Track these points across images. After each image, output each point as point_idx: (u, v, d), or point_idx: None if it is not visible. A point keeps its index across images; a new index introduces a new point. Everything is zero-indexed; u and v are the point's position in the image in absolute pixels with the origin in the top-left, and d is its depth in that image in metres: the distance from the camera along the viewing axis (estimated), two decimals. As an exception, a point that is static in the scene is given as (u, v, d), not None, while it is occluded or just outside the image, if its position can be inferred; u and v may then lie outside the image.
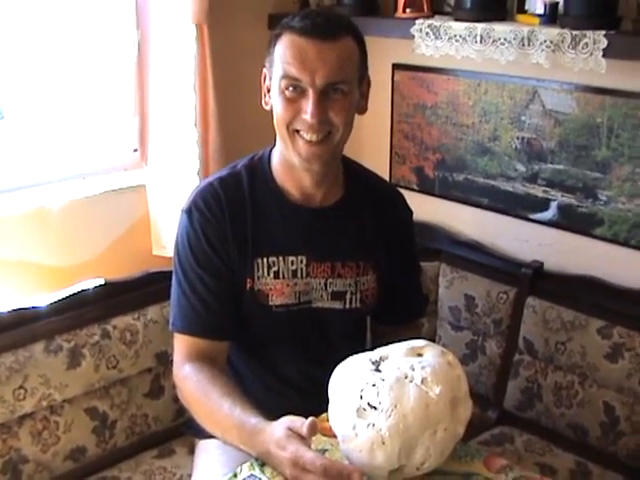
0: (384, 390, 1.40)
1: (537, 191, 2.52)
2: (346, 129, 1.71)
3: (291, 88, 1.66)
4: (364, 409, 1.41)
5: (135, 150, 2.63)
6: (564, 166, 2.44)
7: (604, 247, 2.42)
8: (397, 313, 1.98)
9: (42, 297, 2.12)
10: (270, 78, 1.73)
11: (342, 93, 1.67)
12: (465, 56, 2.35)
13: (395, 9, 2.54)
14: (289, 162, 1.77)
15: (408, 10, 2.49)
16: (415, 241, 2.03)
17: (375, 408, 1.40)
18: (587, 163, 2.39)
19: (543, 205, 2.52)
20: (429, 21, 2.41)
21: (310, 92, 1.64)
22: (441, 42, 2.38)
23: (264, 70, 1.76)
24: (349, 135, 1.74)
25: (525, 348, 2.45)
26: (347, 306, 1.85)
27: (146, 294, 2.24)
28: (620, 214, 2.35)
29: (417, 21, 2.42)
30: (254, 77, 2.67)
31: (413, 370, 1.43)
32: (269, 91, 1.75)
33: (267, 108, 1.76)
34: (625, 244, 2.37)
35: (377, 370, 1.46)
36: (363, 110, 1.80)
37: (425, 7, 2.47)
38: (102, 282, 2.18)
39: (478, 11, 2.33)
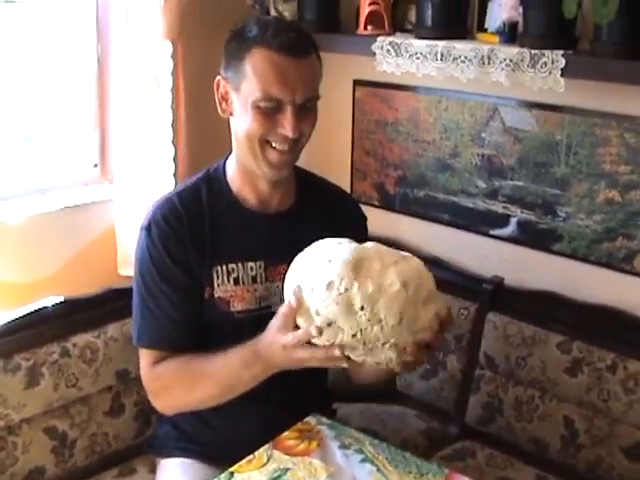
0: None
1: (497, 207, 2.54)
2: (309, 137, 1.78)
3: (269, 106, 1.68)
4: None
5: (95, 165, 2.61)
6: (524, 183, 2.46)
7: (563, 263, 2.45)
8: None
9: None
10: (235, 90, 1.73)
11: (312, 107, 1.75)
12: (426, 73, 2.37)
13: (356, 26, 2.55)
14: (248, 170, 1.80)
15: (369, 27, 2.50)
16: None
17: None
18: (546, 180, 2.42)
19: (503, 221, 2.54)
20: (390, 38, 2.42)
21: (289, 108, 1.68)
22: (402, 59, 2.39)
23: (219, 78, 1.78)
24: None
25: (486, 363, 2.46)
26: None
27: (106, 311, 2.21)
28: (579, 230, 2.38)
29: (378, 38, 2.43)
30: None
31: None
32: (225, 100, 1.77)
33: (224, 116, 1.80)
34: (584, 260, 2.40)
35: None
36: None
37: (386, 24, 2.49)
38: (61, 299, 2.15)
39: (439, 29, 2.35)
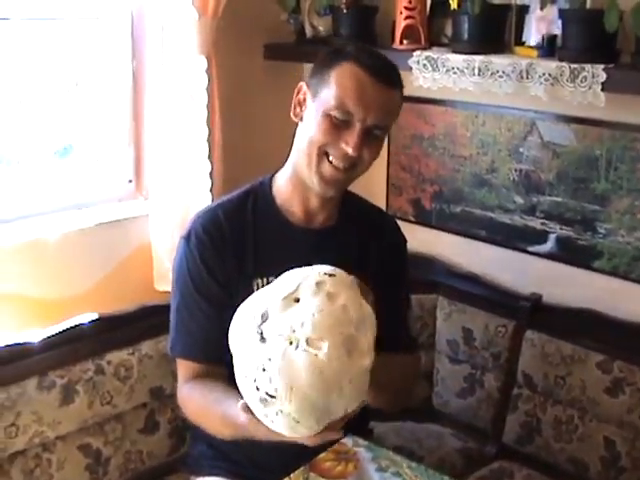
0: (274, 374, 1.38)
1: (535, 223, 2.51)
2: (368, 167, 1.79)
3: (340, 117, 1.71)
4: (265, 399, 1.40)
5: (130, 181, 2.61)
6: (562, 198, 2.43)
7: (603, 280, 2.41)
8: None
9: (35, 332, 2.09)
10: (313, 95, 1.76)
11: (379, 136, 1.76)
12: (463, 88, 2.34)
13: (392, 40, 2.53)
14: (301, 180, 1.80)
15: (405, 41, 2.48)
16: (408, 272, 2.03)
17: (274, 397, 1.38)
18: (586, 196, 2.38)
19: (541, 237, 2.50)
20: (426, 53, 2.40)
21: (357, 127, 1.70)
22: (439, 74, 2.37)
23: (302, 83, 1.81)
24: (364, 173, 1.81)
25: (524, 382, 2.42)
26: None
27: (141, 328, 2.21)
28: (619, 247, 2.34)
29: (415, 53, 2.41)
30: (253, 106, 2.66)
31: (294, 332, 1.39)
32: (301, 105, 1.80)
33: (295, 119, 1.81)
34: (624, 277, 2.36)
35: (262, 339, 1.41)
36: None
37: (422, 39, 2.46)
38: (96, 317, 2.15)
39: (476, 43, 2.32)
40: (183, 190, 2.51)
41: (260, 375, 1.39)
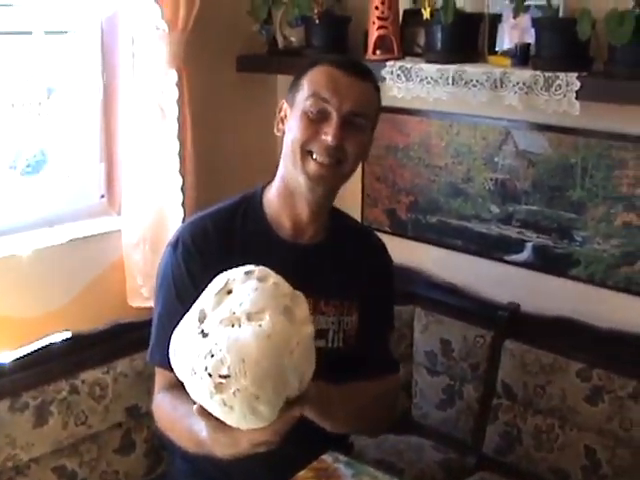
0: (224, 354, 1.39)
1: (512, 232, 2.50)
2: (354, 165, 1.80)
3: (315, 110, 1.73)
4: (220, 383, 1.39)
5: (102, 196, 2.58)
6: (538, 207, 2.43)
7: (580, 288, 2.41)
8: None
9: (6, 353, 2.04)
10: (291, 105, 1.80)
11: (359, 127, 1.77)
12: (437, 97, 2.33)
13: (365, 50, 2.52)
14: (290, 190, 1.81)
15: (378, 52, 2.46)
16: (393, 292, 2.03)
17: (228, 376, 1.38)
18: (561, 204, 2.38)
19: (518, 246, 2.50)
20: (400, 63, 2.39)
21: (334, 115, 1.72)
22: (412, 84, 2.36)
23: (282, 101, 1.85)
24: (352, 174, 1.83)
25: (503, 392, 2.41)
26: (330, 345, 1.85)
27: (115, 346, 2.17)
28: (596, 254, 2.34)
29: (388, 63, 2.40)
30: (226, 118, 2.63)
31: (234, 313, 1.43)
32: (282, 120, 1.83)
33: (278, 134, 1.85)
34: (601, 285, 2.36)
35: (205, 335, 1.44)
36: (365, 157, 1.88)
37: (395, 49, 2.45)
38: (69, 335, 2.11)
39: (449, 53, 2.32)
40: (155, 205, 2.48)
41: (209, 361, 1.40)
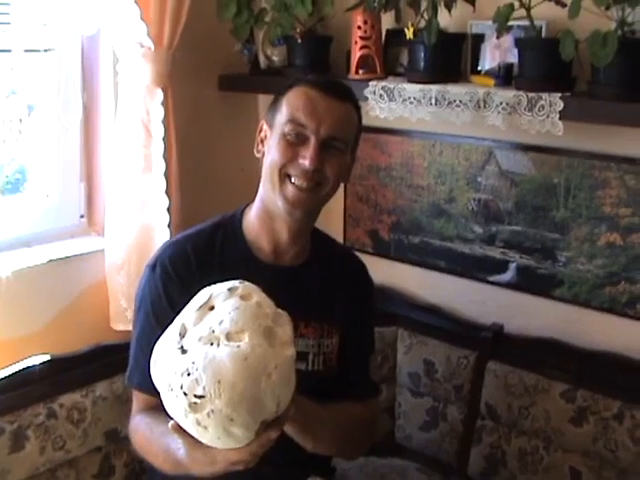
0: (200, 374, 1.38)
1: (495, 253, 2.49)
2: (333, 187, 1.79)
3: (293, 134, 1.73)
4: (195, 403, 1.38)
5: (82, 216, 2.55)
6: (522, 227, 2.42)
7: (564, 308, 2.40)
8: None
9: (-18, 376, 2.01)
10: (270, 126, 1.80)
11: (338, 150, 1.77)
12: (420, 118, 2.33)
13: (348, 70, 2.51)
14: (269, 213, 1.80)
15: (361, 71, 2.46)
16: (374, 315, 2.03)
17: (203, 396, 1.37)
18: (545, 224, 2.37)
19: (501, 267, 2.49)
20: (383, 83, 2.38)
21: (312, 139, 1.72)
22: (395, 104, 2.35)
23: (262, 121, 1.84)
24: (331, 196, 1.81)
25: (487, 413, 2.39)
26: (310, 368, 1.84)
27: (94, 369, 2.14)
28: (580, 275, 2.33)
29: (370, 83, 2.39)
30: (209, 138, 2.61)
31: (214, 332, 1.42)
32: (262, 141, 1.83)
33: (258, 155, 1.84)
34: (586, 305, 2.35)
35: (183, 352, 1.43)
36: (346, 179, 1.88)
37: (378, 68, 2.45)
38: (48, 358, 2.08)
39: (432, 73, 2.31)
40: (140, 226, 2.44)
41: (185, 380, 1.39)
